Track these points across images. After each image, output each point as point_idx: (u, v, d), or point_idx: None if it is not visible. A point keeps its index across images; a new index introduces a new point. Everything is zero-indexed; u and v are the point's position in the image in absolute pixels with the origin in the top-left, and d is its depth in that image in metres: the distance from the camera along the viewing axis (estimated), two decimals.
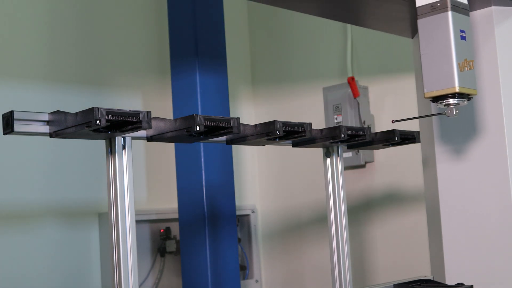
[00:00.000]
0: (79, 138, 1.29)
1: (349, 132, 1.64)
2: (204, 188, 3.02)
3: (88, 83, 3.50)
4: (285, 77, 4.09)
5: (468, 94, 1.52)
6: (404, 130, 1.79)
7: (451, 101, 1.51)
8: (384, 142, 1.78)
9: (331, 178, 1.74)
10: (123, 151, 1.30)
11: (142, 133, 1.36)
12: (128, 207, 1.29)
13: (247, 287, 3.97)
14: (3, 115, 1.19)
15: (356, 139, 1.68)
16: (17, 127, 1.18)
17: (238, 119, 1.39)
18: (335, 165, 1.74)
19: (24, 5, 3.32)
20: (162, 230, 3.64)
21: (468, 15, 1.54)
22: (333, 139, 1.64)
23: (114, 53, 3.63)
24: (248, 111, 4.17)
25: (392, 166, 3.50)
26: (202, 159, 3.03)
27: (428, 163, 2.12)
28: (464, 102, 1.52)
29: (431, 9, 1.52)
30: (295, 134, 1.52)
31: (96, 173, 3.37)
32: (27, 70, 3.30)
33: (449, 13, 1.50)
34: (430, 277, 1.94)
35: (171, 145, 3.28)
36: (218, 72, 3.14)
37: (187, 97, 3.09)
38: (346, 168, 3.57)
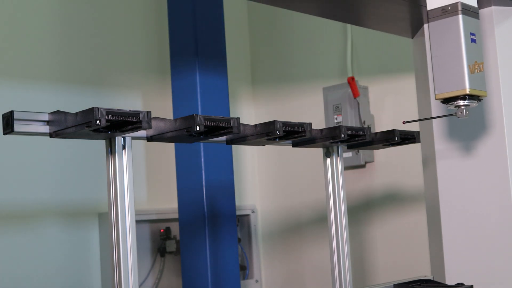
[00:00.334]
0: (79, 138, 1.29)
1: (349, 132, 1.65)
2: (204, 188, 3.02)
3: (88, 83, 3.50)
4: (285, 77, 4.09)
5: (478, 96, 1.54)
6: (404, 130, 1.79)
7: (461, 102, 1.54)
8: (384, 142, 1.78)
9: (331, 178, 1.74)
10: (123, 151, 1.30)
11: (142, 133, 1.36)
12: (128, 207, 1.29)
13: (247, 287, 3.97)
14: (3, 115, 1.19)
15: (356, 139, 1.68)
16: (17, 127, 1.18)
17: (238, 119, 1.39)
18: (335, 165, 1.74)
19: (25, 6, 3.32)
20: (162, 230, 3.64)
21: (478, 18, 1.55)
22: (333, 139, 1.64)
23: (114, 53, 3.63)
24: (248, 111, 4.17)
25: (392, 166, 3.50)
26: (202, 159, 3.03)
27: (428, 163, 2.12)
28: (474, 103, 1.55)
29: (442, 12, 1.53)
30: (295, 134, 1.52)
31: (96, 173, 3.37)
32: (27, 70, 3.30)
33: (460, 16, 1.51)
34: (430, 277, 1.94)
35: (171, 145, 3.28)
36: (218, 72, 3.14)
37: (187, 97, 3.09)
38: (346, 168, 3.57)
